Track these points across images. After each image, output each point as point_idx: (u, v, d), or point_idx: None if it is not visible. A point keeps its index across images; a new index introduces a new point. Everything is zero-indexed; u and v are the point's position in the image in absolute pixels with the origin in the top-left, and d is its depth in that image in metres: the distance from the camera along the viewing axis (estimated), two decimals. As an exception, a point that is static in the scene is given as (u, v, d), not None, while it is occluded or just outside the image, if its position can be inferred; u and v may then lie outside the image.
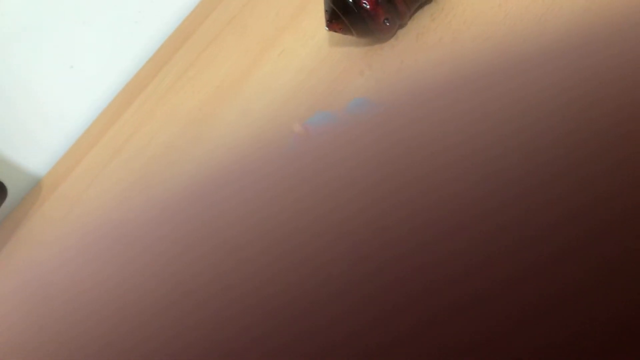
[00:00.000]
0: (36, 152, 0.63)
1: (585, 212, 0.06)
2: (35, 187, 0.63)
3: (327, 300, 0.06)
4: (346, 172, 0.08)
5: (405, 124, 0.09)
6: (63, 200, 0.60)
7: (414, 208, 0.07)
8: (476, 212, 0.07)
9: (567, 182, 0.07)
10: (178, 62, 0.61)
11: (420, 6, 0.45)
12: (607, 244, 0.06)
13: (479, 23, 0.42)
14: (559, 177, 0.07)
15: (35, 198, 0.61)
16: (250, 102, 0.52)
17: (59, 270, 0.09)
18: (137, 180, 0.55)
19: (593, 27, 0.09)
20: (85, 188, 0.59)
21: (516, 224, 0.06)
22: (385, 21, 0.42)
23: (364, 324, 0.06)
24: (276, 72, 0.52)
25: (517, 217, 0.06)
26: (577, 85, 0.08)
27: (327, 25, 0.44)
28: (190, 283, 0.07)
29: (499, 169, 0.07)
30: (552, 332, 0.06)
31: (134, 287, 0.08)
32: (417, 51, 0.43)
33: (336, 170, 0.08)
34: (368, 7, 0.41)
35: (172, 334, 0.07)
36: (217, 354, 0.06)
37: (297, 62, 0.51)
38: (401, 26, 0.45)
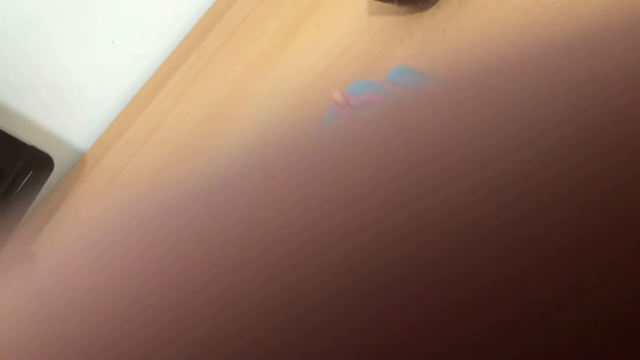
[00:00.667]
0: (80, 126, 0.65)
1: (587, 213, 0.06)
2: (80, 161, 0.64)
3: (331, 299, 0.06)
4: (368, 164, 0.08)
5: (443, 104, 0.08)
6: (105, 174, 0.61)
7: (432, 202, 0.07)
8: (490, 207, 0.06)
9: (573, 181, 0.06)
10: (215, 38, 0.61)
11: (464, -28, 0.43)
12: (608, 245, 0.06)
13: (525, -12, 0.40)
14: (565, 176, 0.06)
15: (79, 171, 0.63)
16: (287, 76, 0.51)
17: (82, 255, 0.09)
18: (174, 154, 0.56)
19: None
20: (126, 162, 0.60)
21: (521, 223, 0.06)
22: (427, -12, 0.41)
23: (368, 323, 0.06)
24: (314, 44, 0.51)
25: (522, 217, 0.06)
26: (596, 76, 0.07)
27: (367, -6, 0.43)
28: (208, 274, 0.07)
29: (524, 159, 0.07)
30: (552, 333, 0.06)
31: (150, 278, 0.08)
32: (460, 19, 0.42)
33: (359, 162, 0.08)
34: (409, -27, 0.40)
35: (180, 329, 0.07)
36: (221, 351, 0.06)
37: (335, 33, 0.50)
38: (443, -7, 0.43)
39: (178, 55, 0.63)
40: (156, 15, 0.64)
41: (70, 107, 0.63)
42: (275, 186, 0.08)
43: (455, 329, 0.06)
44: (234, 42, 0.59)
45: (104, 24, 0.62)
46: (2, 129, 0.54)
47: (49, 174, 0.58)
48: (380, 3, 0.45)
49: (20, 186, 0.56)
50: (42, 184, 0.58)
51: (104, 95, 0.65)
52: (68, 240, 0.09)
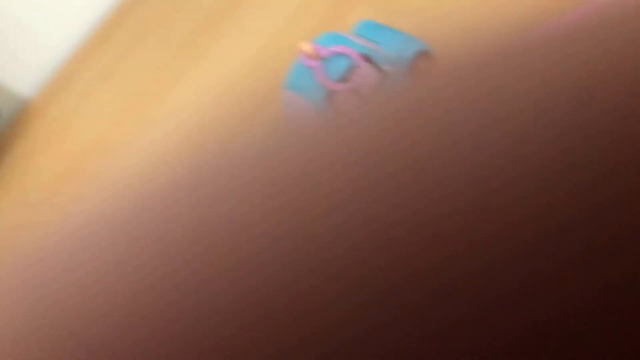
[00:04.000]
0: (23, 72, 0.61)
1: (564, 203, 0.06)
2: (23, 110, 0.61)
3: (318, 292, 0.06)
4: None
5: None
6: (52, 124, 0.58)
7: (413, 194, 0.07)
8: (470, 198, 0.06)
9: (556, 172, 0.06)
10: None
11: None
12: (582, 236, 0.06)
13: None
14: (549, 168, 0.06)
15: (23, 121, 0.60)
16: (252, 22, 0.50)
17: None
18: (127, 102, 0.54)
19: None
20: (74, 110, 0.58)
21: (501, 214, 0.06)
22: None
23: (349, 315, 0.06)
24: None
25: (502, 207, 0.06)
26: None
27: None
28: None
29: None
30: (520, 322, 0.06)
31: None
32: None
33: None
34: None
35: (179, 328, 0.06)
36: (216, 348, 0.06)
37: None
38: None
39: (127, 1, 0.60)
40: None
41: (14, 55, 0.60)
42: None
43: (440, 314, 0.06)
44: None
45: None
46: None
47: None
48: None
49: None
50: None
51: (50, 38, 0.61)
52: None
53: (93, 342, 0.07)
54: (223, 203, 0.07)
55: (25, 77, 0.61)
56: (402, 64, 0.37)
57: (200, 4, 0.55)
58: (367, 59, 0.36)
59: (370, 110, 0.08)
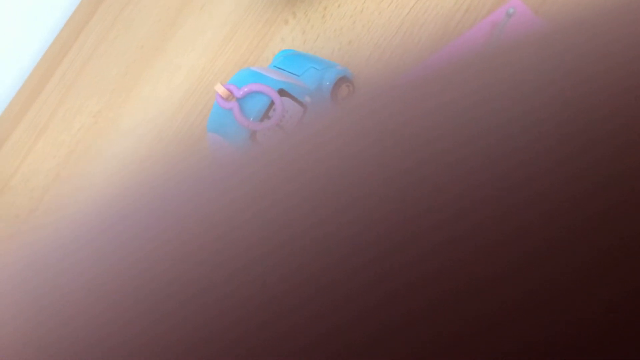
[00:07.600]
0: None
1: (575, 206, 0.06)
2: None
3: (314, 295, 0.06)
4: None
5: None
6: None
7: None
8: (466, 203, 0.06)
9: (561, 174, 0.06)
10: (97, 25, 0.57)
11: (340, -54, 0.43)
12: (595, 239, 0.06)
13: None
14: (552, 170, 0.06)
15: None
16: (176, 60, 0.49)
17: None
18: (69, 155, 0.53)
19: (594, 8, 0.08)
20: (15, 169, 0.56)
21: (505, 216, 0.06)
22: (304, -35, 0.41)
23: (349, 320, 0.06)
24: (199, 27, 0.49)
25: (506, 210, 0.06)
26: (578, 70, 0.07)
27: (245, -25, 0.42)
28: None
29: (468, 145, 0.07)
30: (530, 331, 0.06)
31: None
32: (340, -5, 0.42)
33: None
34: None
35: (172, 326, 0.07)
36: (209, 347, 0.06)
37: (219, 16, 0.48)
38: (322, -31, 0.43)
39: (58, 47, 0.59)
40: (30, 6, 0.59)
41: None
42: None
43: (446, 321, 0.06)
44: (118, 29, 0.56)
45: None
46: None
47: None
48: (260, -17, 0.43)
49: None
50: None
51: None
52: None
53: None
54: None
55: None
56: (322, 94, 0.36)
57: (126, 48, 0.54)
58: (285, 93, 0.35)
59: (292, 144, 0.08)
